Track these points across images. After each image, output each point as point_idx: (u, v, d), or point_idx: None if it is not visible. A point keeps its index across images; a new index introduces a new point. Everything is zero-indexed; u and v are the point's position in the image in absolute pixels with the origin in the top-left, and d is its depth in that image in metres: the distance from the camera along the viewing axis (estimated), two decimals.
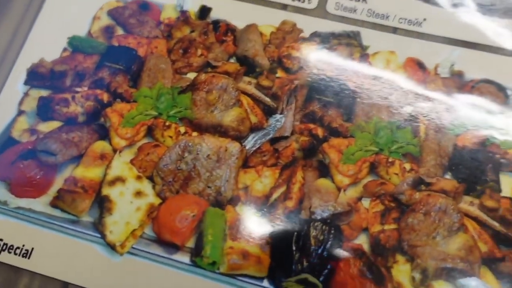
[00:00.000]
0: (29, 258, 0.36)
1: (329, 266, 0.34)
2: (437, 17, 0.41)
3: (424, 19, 0.41)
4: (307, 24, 0.42)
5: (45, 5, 0.44)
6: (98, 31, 0.43)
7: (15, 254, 0.36)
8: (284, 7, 0.43)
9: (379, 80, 0.39)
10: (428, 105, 0.38)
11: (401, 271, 0.34)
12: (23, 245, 0.36)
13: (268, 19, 0.42)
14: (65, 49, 0.42)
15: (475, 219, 0.35)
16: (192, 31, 0.42)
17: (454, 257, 0.34)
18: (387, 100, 0.38)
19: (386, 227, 0.35)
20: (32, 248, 0.36)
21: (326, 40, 0.41)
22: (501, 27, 0.39)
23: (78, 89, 0.40)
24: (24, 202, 0.37)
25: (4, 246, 0.36)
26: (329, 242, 0.35)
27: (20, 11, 0.44)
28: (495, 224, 0.35)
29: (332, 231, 0.35)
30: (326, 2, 0.43)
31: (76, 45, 0.42)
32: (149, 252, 0.35)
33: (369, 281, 0.34)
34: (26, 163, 0.38)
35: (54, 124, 0.39)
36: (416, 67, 0.40)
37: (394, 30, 0.41)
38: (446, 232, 0.35)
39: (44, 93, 0.41)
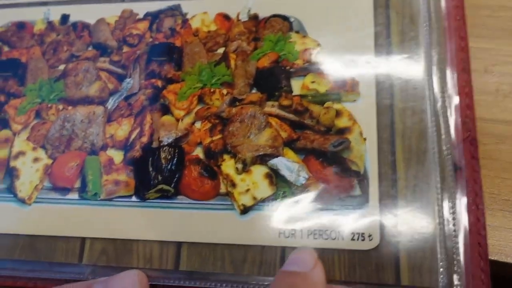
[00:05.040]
0: None
1: (177, 175, 0.43)
2: None
3: None
4: (141, 8, 0.51)
5: None
6: None
7: None
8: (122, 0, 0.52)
9: (197, 35, 0.49)
10: (234, 44, 0.48)
11: (228, 165, 0.43)
12: None
13: (112, 12, 0.51)
14: None
15: (276, 116, 0.44)
16: (58, 35, 0.52)
17: (264, 146, 0.43)
18: (205, 47, 0.48)
19: (214, 138, 0.44)
20: None
21: (156, 16, 0.50)
22: None
23: None
24: None
25: None
26: (175, 159, 0.44)
27: None
28: (291, 116, 0.44)
29: (176, 151, 0.44)
30: None
31: None
32: (49, 198, 0.45)
33: (206, 178, 0.43)
34: None
35: None
36: (223, 19, 0.48)
37: None
38: (256, 130, 0.44)
39: None
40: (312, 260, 0.38)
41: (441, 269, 0.37)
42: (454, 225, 0.38)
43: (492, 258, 0.39)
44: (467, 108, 0.41)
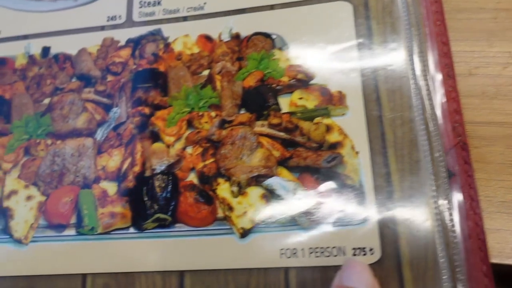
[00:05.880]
0: None
1: (173, 203, 0.43)
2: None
3: (205, 3, 0.49)
4: (122, 35, 0.50)
5: None
6: None
7: None
8: (102, 28, 0.51)
9: (181, 59, 0.49)
10: (219, 65, 0.47)
11: (223, 189, 0.42)
12: None
13: (93, 41, 0.50)
14: None
15: (267, 135, 0.43)
16: (40, 68, 0.51)
17: (258, 167, 0.42)
18: (189, 70, 0.48)
19: (207, 162, 0.44)
20: None
21: (138, 42, 0.49)
22: None
23: None
24: None
25: None
26: (169, 186, 0.44)
27: None
28: (281, 134, 0.43)
29: (170, 178, 0.44)
30: (131, 15, 0.50)
31: None
32: (45, 236, 0.44)
33: (202, 203, 0.42)
34: None
35: None
36: (205, 40, 0.48)
37: (185, 18, 0.49)
38: (248, 151, 0.44)
39: None
40: (370, 278, 0.36)
41: (444, 277, 0.37)
42: (453, 232, 0.38)
43: (494, 261, 0.38)
44: (455, 113, 0.41)
